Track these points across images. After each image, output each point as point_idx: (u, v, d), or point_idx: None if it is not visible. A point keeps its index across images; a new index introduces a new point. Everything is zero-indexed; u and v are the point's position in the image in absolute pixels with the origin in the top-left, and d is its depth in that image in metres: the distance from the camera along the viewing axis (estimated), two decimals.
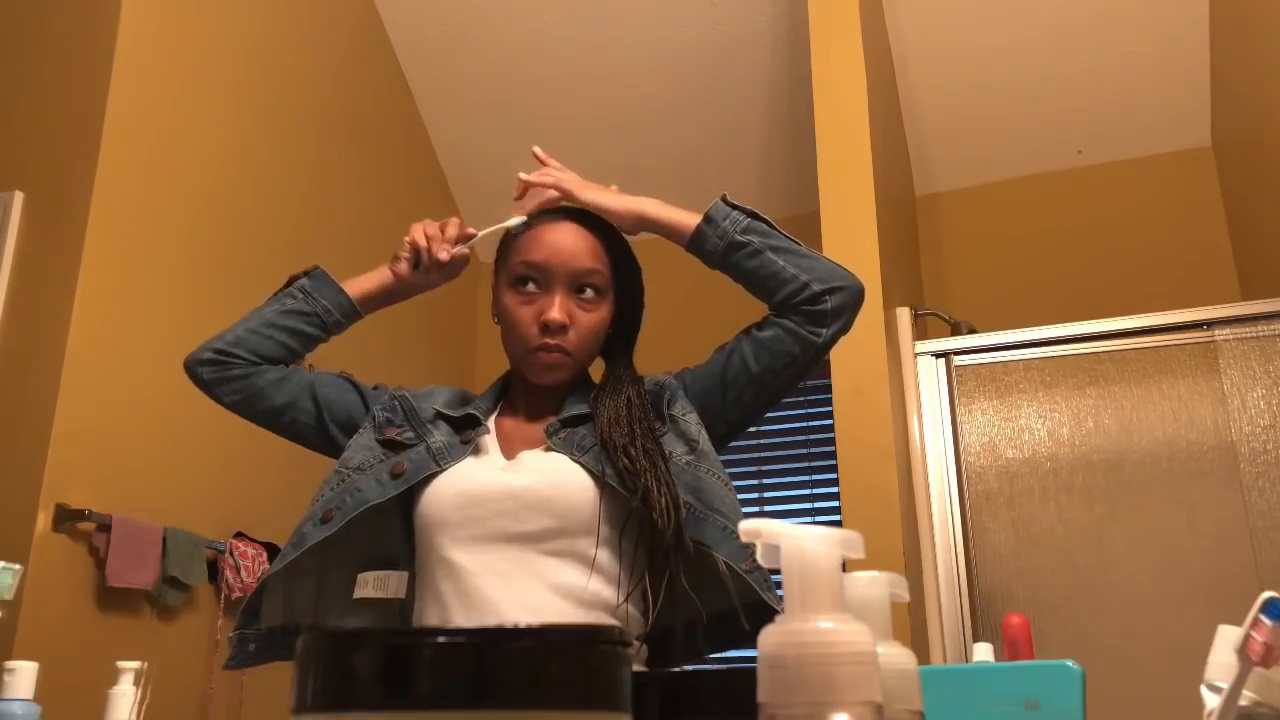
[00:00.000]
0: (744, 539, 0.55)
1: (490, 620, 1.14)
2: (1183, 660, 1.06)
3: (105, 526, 2.08)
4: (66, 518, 2.03)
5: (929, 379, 2.38)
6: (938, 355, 2.40)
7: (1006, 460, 2.29)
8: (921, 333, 2.58)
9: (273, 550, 2.51)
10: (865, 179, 2.35)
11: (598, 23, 3.27)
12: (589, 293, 1.27)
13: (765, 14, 3.18)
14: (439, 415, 1.31)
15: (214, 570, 2.38)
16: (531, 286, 1.26)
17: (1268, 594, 0.79)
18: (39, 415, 2.05)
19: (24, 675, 1.16)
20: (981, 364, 2.38)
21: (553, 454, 1.23)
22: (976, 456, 2.31)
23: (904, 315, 2.40)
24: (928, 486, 2.28)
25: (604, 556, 1.19)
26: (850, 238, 2.32)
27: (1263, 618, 0.78)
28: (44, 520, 2.00)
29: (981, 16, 3.08)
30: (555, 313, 1.23)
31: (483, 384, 4.15)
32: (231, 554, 2.39)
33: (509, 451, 1.27)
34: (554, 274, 1.26)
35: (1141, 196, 3.24)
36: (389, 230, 3.33)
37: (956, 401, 2.35)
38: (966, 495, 2.28)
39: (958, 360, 2.39)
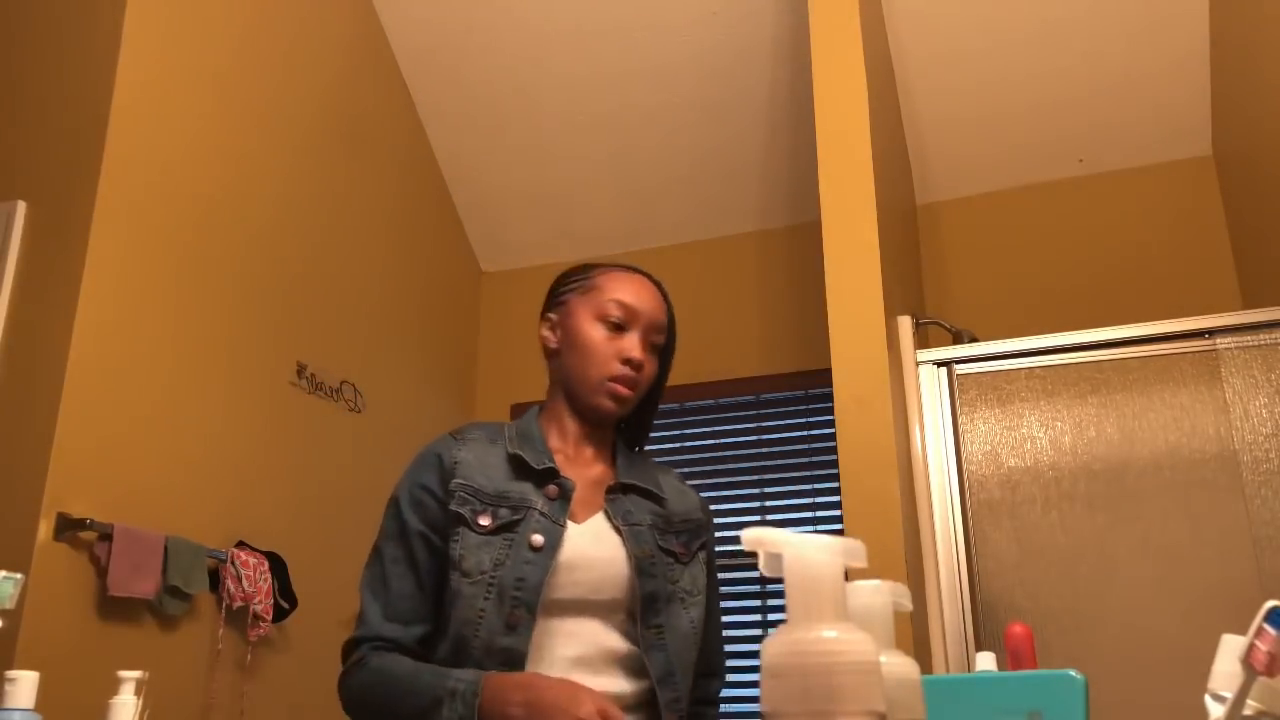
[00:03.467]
0: (747, 548, 0.55)
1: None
2: (1186, 670, 1.06)
3: (106, 536, 2.08)
4: (68, 527, 2.03)
5: (930, 388, 2.38)
6: (939, 364, 2.40)
7: (1008, 469, 2.29)
8: (923, 341, 2.58)
9: (274, 559, 2.51)
10: (866, 188, 2.35)
11: (599, 33, 3.28)
12: (655, 348, 1.41)
13: (767, 24, 3.19)
14: (519, 465, 1.33)
15: (215, 579, 2.37)
16: (620, 327, 1.38)
17: (1271, 603, 0.79)
18: (41, 425, 2.05)
19: (25, 685, 1.16)
20: (983, 372, 2.37)
21: (616, 530, 1.32)
22: (978, 465, 2.31)
23: (905, 324, 2.40)
24: (929, 495, 2.28)
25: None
26: (851, 247, 2.32)
27: (1267, 627, 0.78)
28: (45, 529, 2.00)
29: (982, 26, 3.09)
30: (640, 352, 1.37)
31: (484, 390, 4.12)
32: (233, 563, 2.38)
33: (579, 510, 1.33)
34: (638, 318, 1.38)
35: (1143, 205, 3.25)
36: (392, 239, 3.34)
37: (958, 410, 2.35)
38: (968, 504, 2.28)
39: (959, 369, 2.39)
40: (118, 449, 2.19)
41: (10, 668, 1.20)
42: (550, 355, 1.45)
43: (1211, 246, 3.14)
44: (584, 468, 1.38)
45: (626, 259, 3.74)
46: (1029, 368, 2.34)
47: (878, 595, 0.65)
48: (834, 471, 3.22)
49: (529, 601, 1.22)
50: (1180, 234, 3.18)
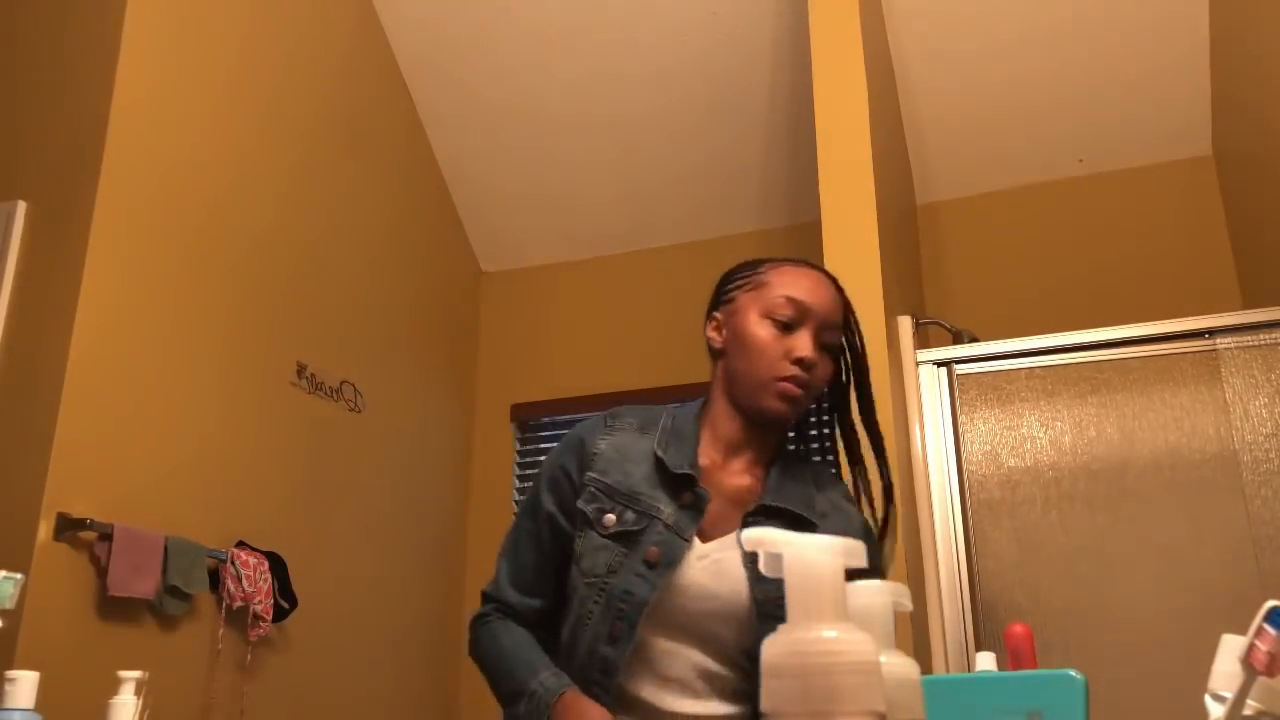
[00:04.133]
0: (747, 548, 0.55)
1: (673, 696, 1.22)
2: (1186, 670, 1.06)
3: (106, 536, 2.08)
4: (68, 527, 2.03)
5: (930, 388, 2.38)
6: (939, 364, 2.40)
7: (1008, 469, 2.29)
8: (923, 341, 2.58)
9: (274, 559, 2.51)
10: (866, 188, 2.35)
11: (600, 33, 3.28)
12: (826, 352, 1.33)
13: (767, 24, 3.19)
14: (659, 465, 1.30)
15: (215, 579, 2.37)
16: (786, 321, 1.31)
17: (1271, 603, 0.79)
18: (41, 424, 2.05)
19: (25, 685, 1.16)
20: (983, 372, 2.37)
21: (745, 565, 1.24)
22: (978, 465, 2.31)
23: (905, 324, 2.40)
24: (930, 495, 2.28)
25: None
26: (851, 247, 2.32)
27: (1267, 627, 0.78)
28: (45, 530, 2.00)
29: (982, 26, 3.09)
30: (810, 351, 1.29)
31: (484, 390, 4.12)
32: (233, 563, 2.38)
33: (712, 526, 1.28)
34: (809, 315, 1.31)
35: (1143, 205, 3.25)
36: (391, 239, 3.34)
37: (958, 410, 2.35)
38: (968, 504, 2.28)
39: (959, 369, 2.39)
40: (118, 449, 2.19)
41: (10, 668, 1.20)
42: (715, 355, 1.39)
43: (1211, 246, 3.14)
44: (731, 477, 1.32)
45: (626, 259, 3.77)
46: (1029, 368, 2.35)
47: (878, 595, 0.65)
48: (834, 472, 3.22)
49: (631, 617, 1.22)
50: (1180, 234, 3.18)
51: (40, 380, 2.08)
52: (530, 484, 1.40)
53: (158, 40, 2.41)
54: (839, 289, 1.36)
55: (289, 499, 2.72)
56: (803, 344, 1.29)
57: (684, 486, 1.28)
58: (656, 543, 1.24)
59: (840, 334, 1.35)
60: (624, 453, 1.32)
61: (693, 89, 3.35)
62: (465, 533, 3.54)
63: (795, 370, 1.29)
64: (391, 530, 3.13)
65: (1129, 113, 3.18)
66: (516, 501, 3.56)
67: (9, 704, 1.15)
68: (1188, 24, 3.00)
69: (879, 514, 1.38)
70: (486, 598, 1.38)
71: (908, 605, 0.67)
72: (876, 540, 1.37)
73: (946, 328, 2.78)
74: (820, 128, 2.44)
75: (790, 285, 1.32)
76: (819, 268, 1.38)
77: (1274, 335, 2.19)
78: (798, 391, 1.29)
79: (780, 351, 1.29)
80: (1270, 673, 0.77)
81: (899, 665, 0.63)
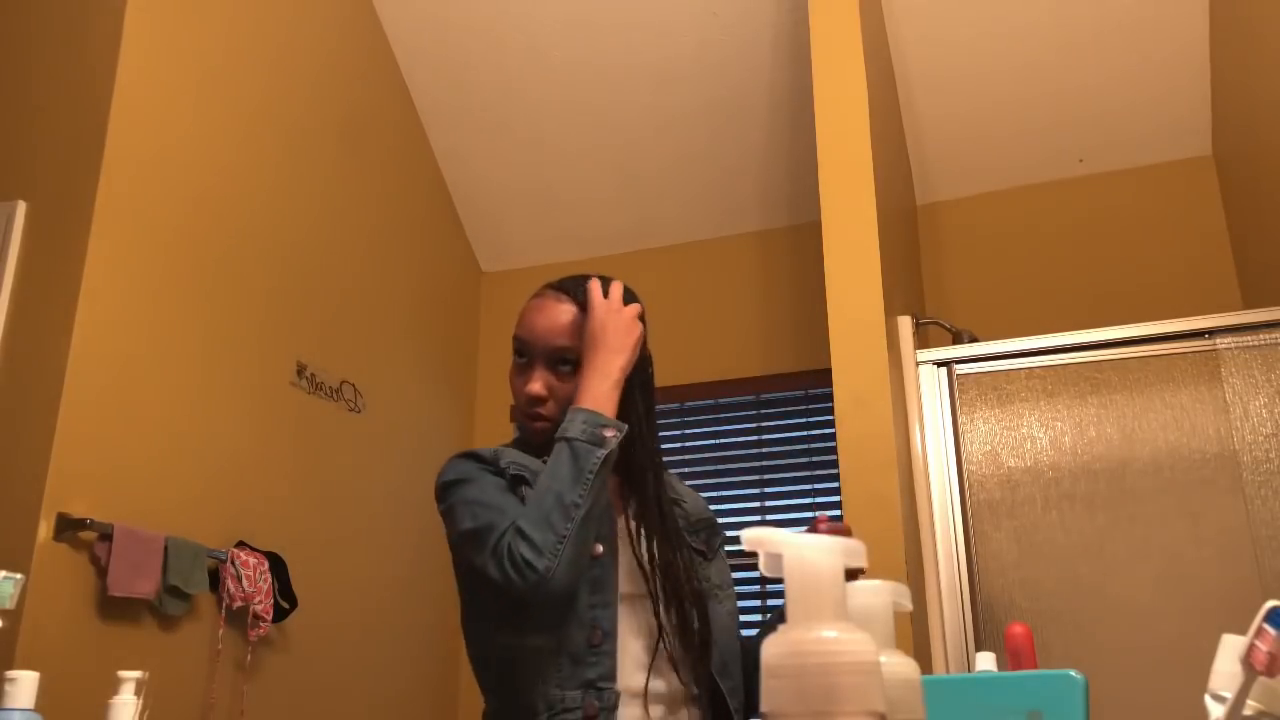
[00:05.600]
0: (747, 549, 0.55)
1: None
2: (1186, 670, 1.06)
3: (106, 536, 2.08)
4: (68, 527, 2.03)
5: (930, 388, 2.38)
6: (939, 364, 2.40)
7: (1008, 469, 2.29)
8: (923, 341, 2.58)
9: (274, 559, 2.51)
10: (866, 189, 2.35)
11: (599, 33, 3.28)
12: (567, 366, 1.32)
13: (767, 24, 3.19)
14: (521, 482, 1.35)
15: (215, 579, 2.37)
16: (524, 359, 1.34)
17: (1271, 603, 0.79)
18: (41, 424, 2.05)
19: (25, 685, 1.16)
20: (983, 372, 2.37)
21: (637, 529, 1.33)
22: (978, 465, 2.31)
23: (905, 324, 2.40)
24: (929, 495, 2.28)
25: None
26: (851, 247, 2.32)
27: (1267, 627, 0.78)
28: (45, 529, 2.00)
29: (982, 26, 3.09)
30: (532, 386, 1.31)
31: (484, 390, 4.12)
32: (233, 563, 2.38)
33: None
34: (534, 349, 1.33)
35: (1143, 205, 3.25)
36: (391, 239, 3.34)
37: (958, 410, 2.35)
38: (968, 504, 2.28)
39: (959, 369, 2.39)
40: (117, 449, 2.19)
41: (10, 668, 1.20)
42: None
43: (1211, 246, 3.14)
44: None
45: (627, 259, 3.77)
46: (1029, 368, 2.35)
47: (878, 595, 0.65)
48: (834, 471, 3.22)
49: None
50: (1180, 234, 3.18)
51: (40, 380, 2.08)
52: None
53: (157, 40, 2.41)
54: (577, 302, 1.32)
55: (289, 499, 2.72)
56: (528, 379, 1.32)
57: None
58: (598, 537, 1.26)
59: (571, 349, 1.31)
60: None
61: (693, 90, 3.35)
62: None
63: (531, 409, 1.32)
64: (392, 530, 3.13)
65: (1129, 113, 3.18)
66: None
67: (9, 704, 1.15)
68: (1188, 24, 3.00)
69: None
70: (491, 550, 1.18)
71: (908, 605, 0.67)
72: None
73: (946, 328, 2.78)
74: (820, 128, 2.44)
75: (519, 323, 1.35)
76: (556, 286, 1.36)
77: (1274, 335, 2.19)
78: (541, 426, 1.31)
79: (520, 391, 1.33)
80: (1270, 673, 0.77)
81: (899, 665, 0.63)
